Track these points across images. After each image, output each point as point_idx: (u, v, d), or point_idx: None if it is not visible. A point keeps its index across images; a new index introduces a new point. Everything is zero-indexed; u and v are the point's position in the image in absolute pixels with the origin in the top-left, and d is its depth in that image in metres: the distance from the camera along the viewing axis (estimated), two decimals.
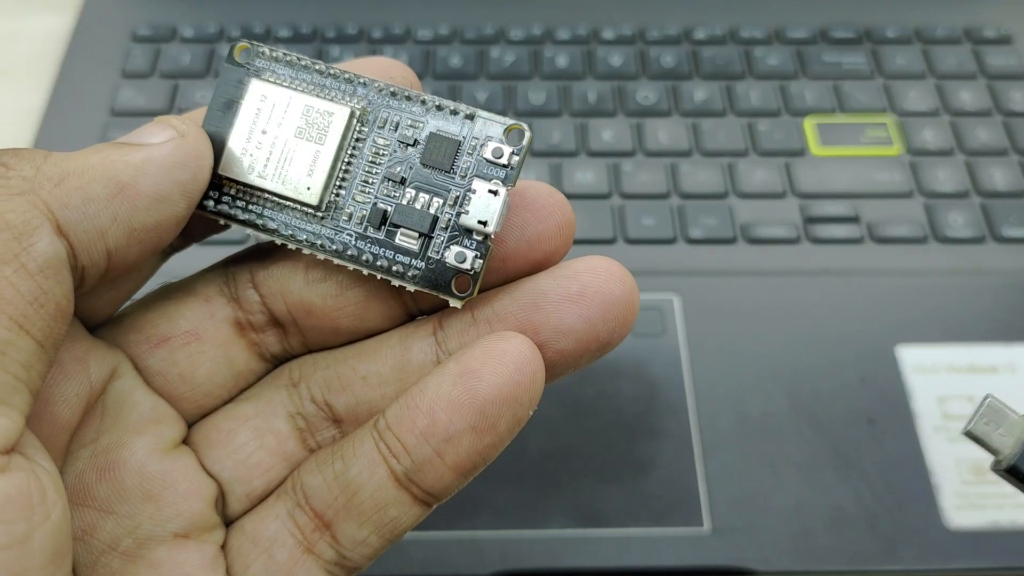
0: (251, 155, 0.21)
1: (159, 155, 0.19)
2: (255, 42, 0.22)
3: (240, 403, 0.23)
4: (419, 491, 0.21)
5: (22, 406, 0.17)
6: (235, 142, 0.21)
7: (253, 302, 0.23)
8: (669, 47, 0.48)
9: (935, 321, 0.38)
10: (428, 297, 0.22)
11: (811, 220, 0.42)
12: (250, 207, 0.22)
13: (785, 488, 0.34)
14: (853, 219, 0.42)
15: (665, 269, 0.40)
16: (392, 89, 0.22)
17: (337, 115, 0.21)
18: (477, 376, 0.20)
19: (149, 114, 0.45)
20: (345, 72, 0.22)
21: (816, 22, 0.49)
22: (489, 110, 0.21)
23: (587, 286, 0.20)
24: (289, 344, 0.23)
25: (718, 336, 0.38)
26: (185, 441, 0.22)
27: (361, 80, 0.22)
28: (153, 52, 0.47)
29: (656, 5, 0.50)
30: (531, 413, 0.20)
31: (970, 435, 0.19)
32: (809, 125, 0.45)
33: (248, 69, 0.22)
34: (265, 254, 0.23)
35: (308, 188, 0.21)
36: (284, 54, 0.22)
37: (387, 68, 0.23)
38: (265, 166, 0.21)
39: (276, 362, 0.24)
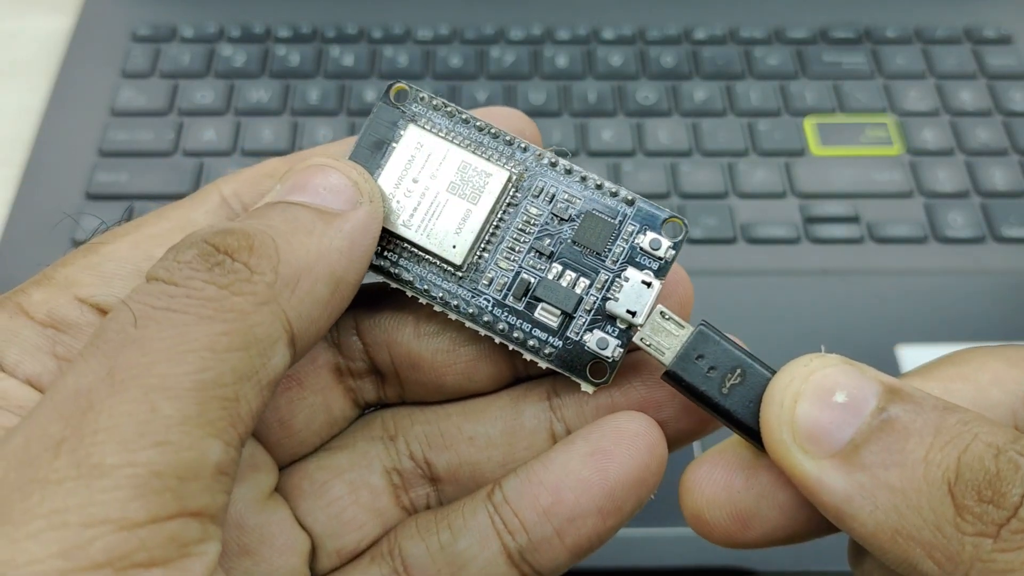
0: (398, 202, 0.21)
1: (360, 235, 0.19)
2: (414, 86, 0.21)
3: (334, 453, 0.22)
4: (529, 569, 0.20)
5: (223, 524, 0.16)
6: (383, 185, 0.21)
7: (356, 349, 0.22)
8: (669, 47, 0.48)
9: (935, 321, 0.38)
10: (538, 368, 0.21)
11: (811, 220, 0.42)
12: (386, 253, 0.21)
13: None
14: (853, 219, 0.42)
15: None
16: (551, 159, 0.21)
17: (495, 177, 0.21)
18: (609, 457, 0.19)
19: (149, 114, 0.45)
20: (505, 133, 0.21)
21: (816, 22, 0.49)
22: (647, 196, 0.21)
23: None
24: (385, 393, 0.23)
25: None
26: (277, 488, 0.22)
27: (521, 144, 0.21)
28: (153, 52, 0.47)
29: (656, 5, 0.50)
30: (652, 497, 0.20)
31: (639, 344, 0.20)
32: (809, 125, 0.45)
33: (403, 112, 0.21)
34: (372, 300, 0.22)
35: (454, 246, 0.20)
36: (443, 103, 0.21)
37: (510, 118, 0.22)
38: (411, 215, 0.20)
39: (366, 408, 0.23)
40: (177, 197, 0.42)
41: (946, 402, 0.17)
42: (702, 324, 0.20)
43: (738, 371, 0.19)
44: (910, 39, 0.49)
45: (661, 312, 0.20)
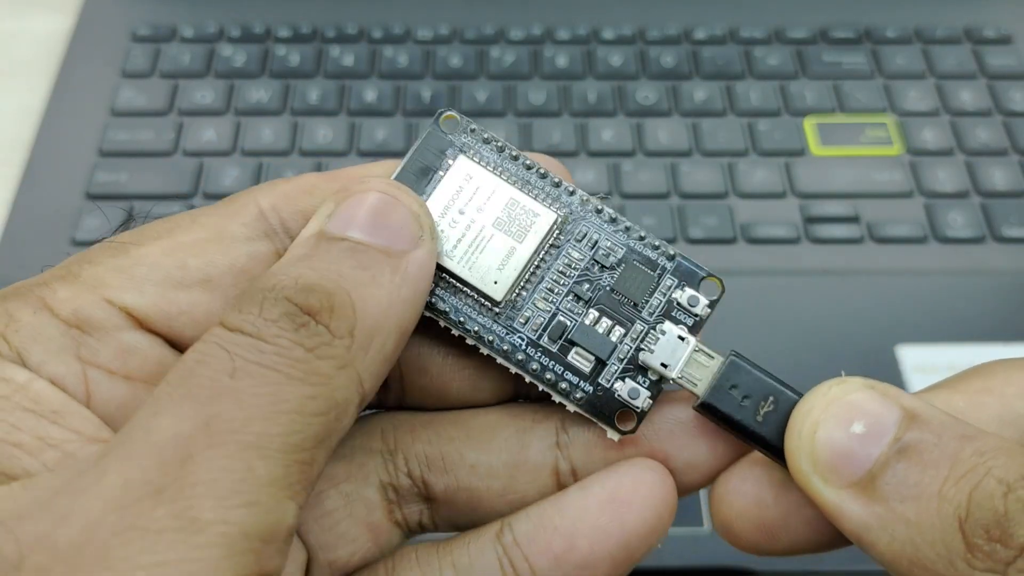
0: (442, 231, 0.20)
1: (423, 278, 0.19)
2: (466, 117, 0.21)
3: (332, 462, 0.22)
4: None
5: None
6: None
7: None
8: (669, 47, 0.48)
9: (935, 321, 0.38)
10: (543, 393, 0.21)
11: (811, 220, 0.42)
12: None
13: None
14: (853, 219, 0.42)
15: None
16: (598, 206, 0.21)
17: (543, 218, 0.21)
18: (628, 507, 0.19)
19: (149, 114, 0.45)
20: (552, 175, 0.21)
21: (816, 22, 0.49)
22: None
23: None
24: (385, 397, 0.22)
25: (718, 336, 0.38)
26: None
27: (568, 188, 0.21)
28: (153, 52, 0.47)
29: (656, 5, 0.50)
30: (659, 545, 0.20)
31: (675, 382, 0.20)
32: (809, 125, 0.45)
33: (452, 142, 0.21)
34: None
35: (496, 282, 0.20)
36: (493, 137, 0.21)
37: (546, 163, 0.22)
38: (455, 247, 0.20)
39: (366, 409, 0.22)
40: (177, 197, 0.42)
41: (967, 428, 0.17)
42: (733, 354, 0.20)
43: (771, 398, 0.19)
44: (910, 39, 0.49)
45: (679, 336, 0.20)
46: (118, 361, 0.18)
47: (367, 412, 0.23)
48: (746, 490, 0.19)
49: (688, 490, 0.21)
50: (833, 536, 0.19)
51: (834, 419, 0.17)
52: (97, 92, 0.46)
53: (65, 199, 0.42)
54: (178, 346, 0.19)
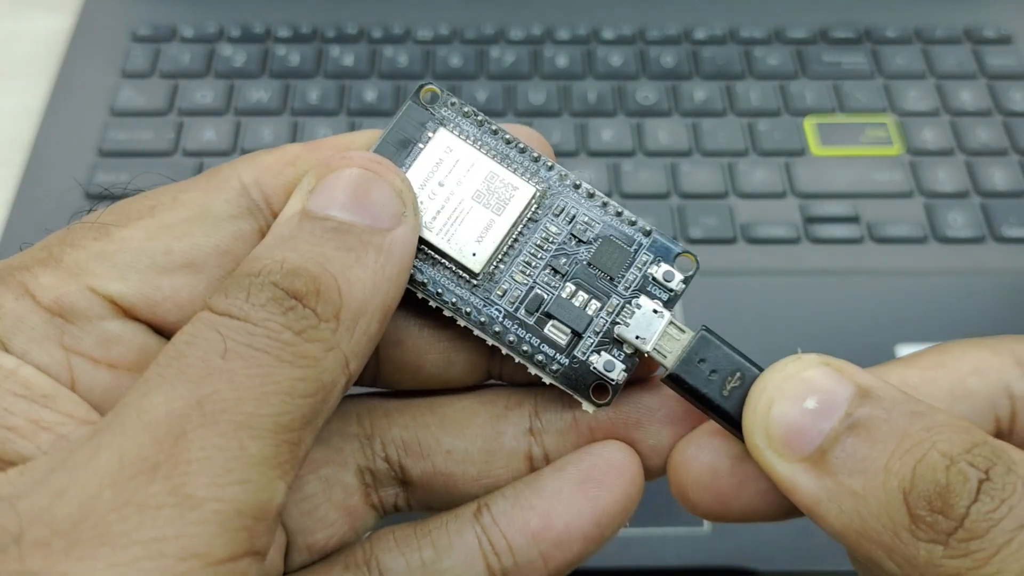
0: (422, 203, 0.21)
1: (406, 255, 0.19)
2: (446, 90, 0.22)
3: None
4: None
5: None
6: None
7: None
8: (669, 47, 0.48)
9: (935, 321, 0.38)
10: (517, 369, 0.21)
11: (811, 220, 0.42)
12: None
13: None
14: (853, 219, 0.42)
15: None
16: (576, 181, 0.22)
17: (521, 191, 0.21)
18: (601, 486, 0.20)
19: (149, 114, 0.45)
20: (532, 149, 0.21)
21: (816, 22, 0.49)
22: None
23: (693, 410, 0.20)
24: (362, 374, 0.22)
25: (720, 334, 0.38)
26: None
27: (547, 163, 0.21)
28: (153, 52, 0.47)
29: (656, 5, 0.50)
30: (627, 525, 0.21)
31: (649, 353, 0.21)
32: (809, 125, 0.45)
33: (433, 114, 0.21)
34: None
35: (474, 254, 0.21)
36: (473, 111, 0.21)
37: (528, 138, 0.22)
38: (434, 219, 0.21)
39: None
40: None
41: (918, 404, 0.17)
42: (703, 329, 0.20)
43: (738, 374, 0.20)
44: (910, 39, 0.49)
45: (654, 310, 0.20)
46: (101, 349, 0.18)
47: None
48: (703, 459, 0.20)
49: (654, 474, 0.21)
50: (785, 507, 0.19)
51: (788, 395, 0.18)
52: (97, 92, 0.46)
53: (65, 199, 0.42)
54: (162, 331, 0.19)
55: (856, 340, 0.38)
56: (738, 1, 0.51)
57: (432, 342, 0.21)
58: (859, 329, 0.38)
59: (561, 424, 0.21)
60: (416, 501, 0.22)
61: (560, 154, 0.44)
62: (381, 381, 0.22)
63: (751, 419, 0.18)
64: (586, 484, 0.20)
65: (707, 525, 0.33)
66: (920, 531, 0.16)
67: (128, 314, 0.18)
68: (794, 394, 0.18)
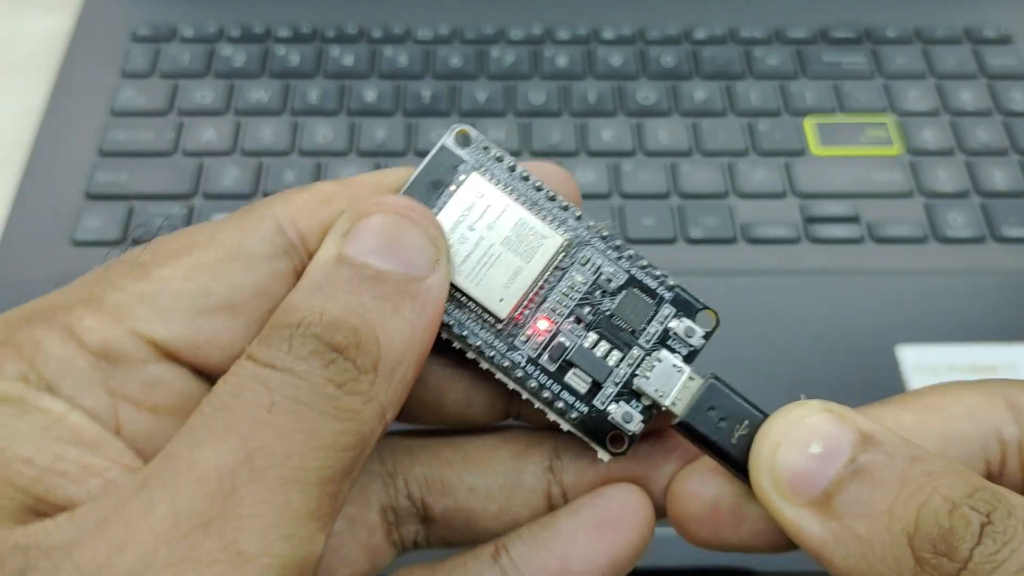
0: (452, 246, 0.21)
1: (439, 303, 0.19)
2: (479, 134, 0.22)
3: None
4: None
5: None
6: None
7: None
8: (669, 47, 0.48)
9: (935, 321, 0.38)
10: (536, 412, 0.21)
11: (811, 220, 0.42)
12: None
13: None
14: (853, 219, 0.42)
15: (665, 269, 0.40)
16: (604, 233, 0.22)
17: (550, 240, 0.21)
18: (617, 530, 0.21)
19: (149, 114, 0.45)
20: (561, 198, 0.22)
21: (816, 22, 0.49)
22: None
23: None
24: None
25: (718, 336, 0.38)
26: None
27: (576, 213, 0.22)
28: (153, 52, 0.47)
29: (656, 5, 0.50)
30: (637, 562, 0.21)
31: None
32: (809, 125, 0.45)
33: (464, 158, 0.22)
34: None
35: (501, 300, 0.21)
36: (505, 156, 0.22)
37: (553, 175, 0.22)
38: (463, 262, 0.21)
39: None
40: (177, 197, 0.42)
41: (917, 449, 0.18)
42: (712, 377, 0.21)
43: (745, 422, 0.20)
44: (910, 39, 0.49)
45: (674, 365, 0.21)
46: (145, 394, 0.18)
47: None
48: (704, 494, 0.20)
49: (663, 514, 0.22)
50: (779, 543, 0.20)
51: (793, 441, 0.18)
52: (97, 92, 0.46)
53: (65, 199, 0.42)
54: (203, 373, 0.19)
55: (856, 340, 0.38)
56: (738, 1, 0.50)
57: (454, 381, 0.22)
58: (859, 329, 0.38)
59: (580, 464, 0.22)
60: (436, 538, 0.22)
61: (560, 154, 0.44)
62: (403, 418, 0.22)
63: (757, 463, 0.19)
64: (602, 527, 0.21)
65: None
66: (925, 573, 0.16)
67: (170, 357, 0.18)
68: (799, 439, 0.18)
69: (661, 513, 0.22)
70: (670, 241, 0.41)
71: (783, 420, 0.19)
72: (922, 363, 0.37)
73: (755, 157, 0.44)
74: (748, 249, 0.41)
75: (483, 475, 0.22)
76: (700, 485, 0.20)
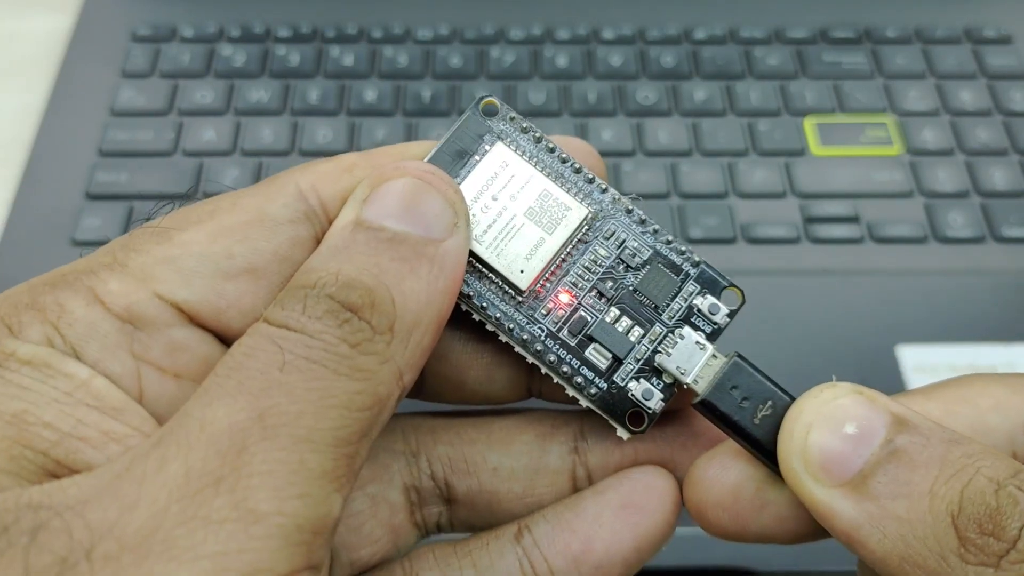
0: (474, 215, 0.20)
1: (458, 266, 0.19)
2: (506, 104, 0.22)
3: None
4: None
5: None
6: None
7: None
8: (669, 47, 0.48)
9: (935, 321, 0.38)
10: (557, 388, 0.21)
11: (811, 220, 0.42)
12: None
13: None
14: (853, 219, 0.42)
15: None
16: (629, 206, 0.21)
17: (574, 212, 0.21)
18: (641, 512, 0.20)
19: (149, 114, 0.45)
20: (587, 171, 0.21)
21: (816, 22, 0.49)
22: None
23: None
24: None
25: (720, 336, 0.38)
26: None
27: (601, 185, 0.21)
28: (153, 52, 0.47)
29: (656, 5, 0.50)
30: (664, 547, 0.21)
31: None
32: (809, 125, 0.45)
33: (491, 128, 0.21)
34: None
35: (522, 271, 0.20)
36: (532, 127, 0.21)
37: (580, 150, 0.22)
38: (485, 232, 0.20)
39: None
40: (177, 197, 0.42)
41: (952, 433, 0.17)
42: (736, 356, 0.20)
43: (769, 402, 0.20)
44: (910, 39, 0.49)
45: (697, 342, 0.20)
46: (168, 358, 0.18)
47: None
48: (726, 480, 0.20)
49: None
50: (801, 531, 0.19)
51: (826, 421, 0.18)
52: (97, 92, 0.46)
53: (65, 199, 0.42)
54: (225, 339, 0.19)
55: (856, 340, 0.38)
56: (738, 1, 0.50)
57: (475, 357, 0.22)
58: (859, 329, 0.38)
59: (607, 445, 0.21)
60: (459, 520, 0.22)
61: None
62: (425, 395, 0.22)
63: (787, 444, 0.18)
64: (627, 509, 0.20)
65: None
66: (970, 554, 0.15)
67: (193, 321, 0.18)
68: (833, 420, 0.18)
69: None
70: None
71: (815, 400, 0.18)
72: (922, 363, 0.37)
73: (755, 157, 0.44)
74: (748, 249, 0.41)
75: (507, 455, 0.22)
76: (721, 470, 0.20)
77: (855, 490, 0.17)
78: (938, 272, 0.40)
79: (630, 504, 0.20)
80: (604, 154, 0.44)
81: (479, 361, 0.22)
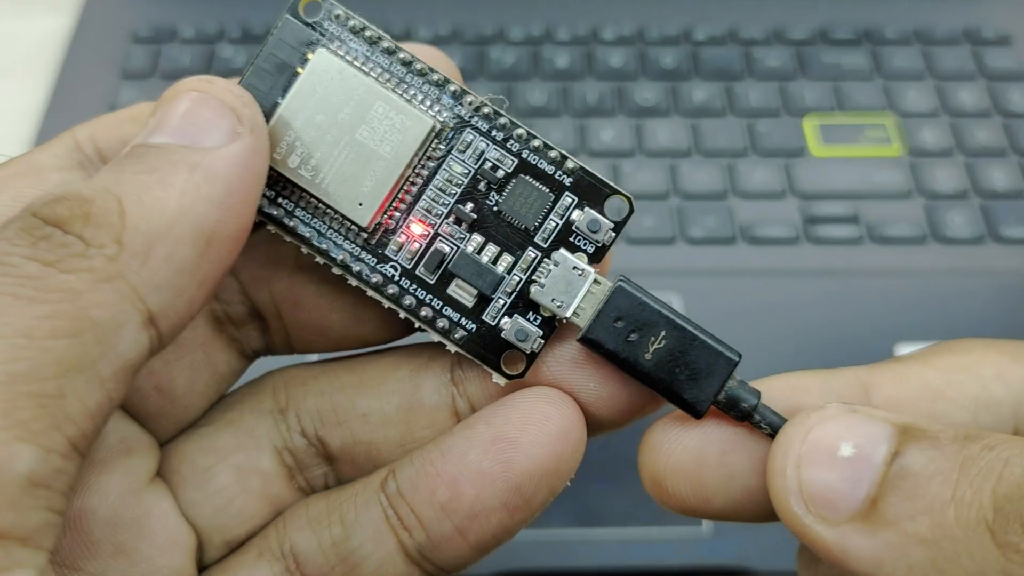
0: (300, 141, 0.18)
1: (239, 176, 0.16)
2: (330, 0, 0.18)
3: (218, 431, 0.19)
4: (432, 567, 0.18)
5: (49, 546, 0.14)
6: (282, 120, 0.18)
7: (232, 290, 0.19)
8: (669, 47, 0.48)
9: (935, 321, 0.38)
10: None
11: (811, 220, 0.42)
12: (280, 200, 0.18)
13: None
14: (853, 219, 0.42)
15: (665, 269, 0.40)
16: (487, 109, 0.18)
17: (416, 126, 0.18)
18: (514, 446, 0.17)
19: None
20: (434, 71, 0.18)
21: (816, 22, 0.49)
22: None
23: None
24: (271, 340, 0.20)
25: (717, 336, 0.38)
26: (158, 472, 0.19)
27: (452, 88, 0.18)
28: (153, 52, 0.47)
29: (656, 5, 0.50)
30: (568, 484, 0.18)
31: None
32: (809, 125, 0.45)
33: (315, 30, 0.18)
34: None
35: (360, 204, 0.18)
36: (363, 25, 0.18)
37: (431, 57, 0.19)
38: (312, 159, 0.18)
39: (255, 357, 0.20)
40: None
41: (965, 429, 0.15)
42: (620, 280, 0.18)
43: (662, 333, 0.17)
44: (910, 39, 0.49)
45: (575, 267, 0.18)
46: None
47: (259, 357, 0.21)
48: (687, 442, 0.17)
49: (605, 427, 0.19)
50: (771, 509, 0.17)
51: (817, 449, 0.16)
52: (97, 92, 0.46)
53: None
54: None
55: (856, 340, 0.38)
56: (738, 1, 0.51)
57: (335, 299, 0.19)
58: (859, 329, 0.38)
59: (486, 373, 0.19)
60: (345, 480, 0.20)
61: None
62: (297, 347, 0.20)
63: (781, 485, 0.16)
64: (497, 444, 0.17)
65: (707, 525, 0.33)
66: (1013, 564, 0.13)
67: None
68: (823, 447, 0.15)
69: (600, 427, 0.18)
70: (670, 241, 0.41)
71: (801, 428, 0.16)
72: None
73: (755, 157, 0.44)
74: (748, 249, 0.41)
75: (376, 397, 0.19)
76: (683, 432, 0.17)
77: (866, 520, 0.15)
78: (938, 272, 0.40)
79: (501, 438, 0.17)
80: (604, 154, 0.44)
81: (340, 302, 0.19)
